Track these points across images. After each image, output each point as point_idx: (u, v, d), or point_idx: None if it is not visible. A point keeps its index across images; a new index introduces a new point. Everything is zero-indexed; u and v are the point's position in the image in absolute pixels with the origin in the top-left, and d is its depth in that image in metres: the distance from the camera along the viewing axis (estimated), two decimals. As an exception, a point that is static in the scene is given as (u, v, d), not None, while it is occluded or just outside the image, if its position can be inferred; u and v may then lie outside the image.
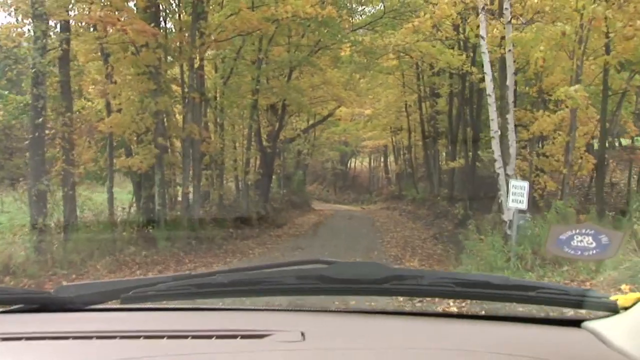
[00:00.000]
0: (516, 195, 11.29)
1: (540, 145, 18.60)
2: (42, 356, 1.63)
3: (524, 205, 11.30)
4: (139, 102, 15.06)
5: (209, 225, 18.39)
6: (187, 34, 16.03)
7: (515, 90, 18.46)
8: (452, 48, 20.98)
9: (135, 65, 14.78)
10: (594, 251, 2.18)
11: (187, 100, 16.39)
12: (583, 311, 1.85)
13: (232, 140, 23.90)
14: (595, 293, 1.85)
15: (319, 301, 2.05)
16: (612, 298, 1.78)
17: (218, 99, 21.19)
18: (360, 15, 28.10)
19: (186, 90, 16.63)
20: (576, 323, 1.79)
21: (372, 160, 57.29)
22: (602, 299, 1.79)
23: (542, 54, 11.60)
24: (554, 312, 2.22)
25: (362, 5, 26.81)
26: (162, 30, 16.20)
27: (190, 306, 2.08)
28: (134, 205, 17.60)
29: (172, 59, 16.67)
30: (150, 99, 14.76)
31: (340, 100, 29.28)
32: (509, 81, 13.24)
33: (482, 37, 13.20)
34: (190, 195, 17.47)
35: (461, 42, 21.40)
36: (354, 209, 42.45)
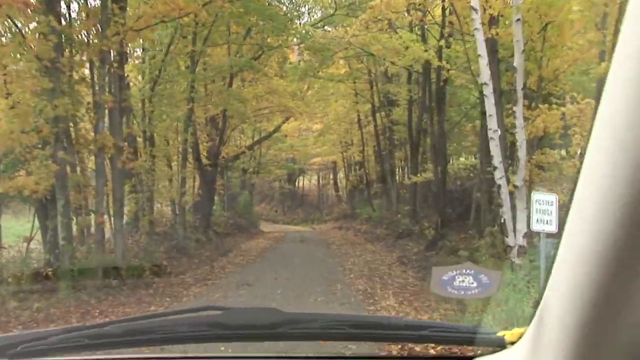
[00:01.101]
0: (542, 213, 7.90)
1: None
2: None
3: (552, 227, 7.92)
4: (31, 105, 11.17)
5: (135, 260, 14.57)
6: (95, 21, 12.25)
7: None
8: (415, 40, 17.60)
9: (23, 55, 10.97)
10: (476, 290, 2.03)
11: (98, 105, 12.58)
12: (476, 347, 1.81)
13: (165, 157, 20.02)
14: (485, 329, 1.79)
15: (215, 348, 2.07)
16: (500, 334, 1.71)
17: (146, 107, 17.36)
18: (310, 15, 24.65)
19: (97, 92, 12.81)
20: (470, 359, 1.78)
21: (320, 178, 54.05)
22: (490, 334, 1.73)
23: (577, 15, 8.30)
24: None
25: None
26: (62, 17, 12.31)
27: (84, 358, 1.96)
28: (36, 239, 13.61)
29: (77, 52, 12.81)
30: (46, 101, 10.94)
31: (288, 112, 25.85)
32: (518, 61, 9.91)
33: (475, 9, 9.88)
34: (107, 225, 13.62)
35: (425, 32, 18.11)
36: (305, 229, 39.07)
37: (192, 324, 1.82)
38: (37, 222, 13.74)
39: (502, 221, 9.92)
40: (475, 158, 22.46)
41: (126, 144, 15.52)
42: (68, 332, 1.81)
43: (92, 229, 13.42)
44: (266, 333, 1.82)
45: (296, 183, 55.58)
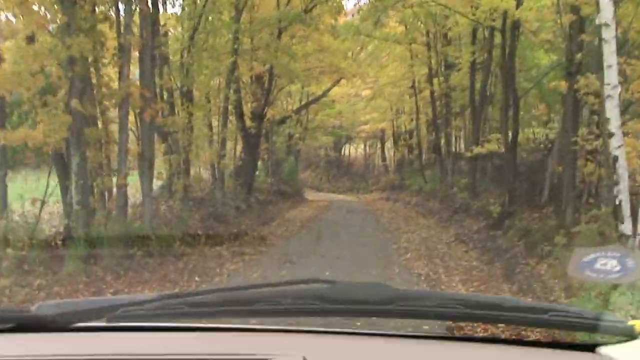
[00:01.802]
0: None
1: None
2: None
3: None
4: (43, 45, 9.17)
5: (165, 229, 12.68)
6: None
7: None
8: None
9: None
10: (619, 274, 1.86)
11: (123, 48, 10.52)
12: (598, 336, 1.67)
13: (204, 116, 17.95)
14: (611, 317, 1.73)
15: (319, 322, 1.83)
16: (630, 323, 1.63)
17: (184, 58, 15.25)
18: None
19: (123, 33, 10.72)
20: (590, 348, 1.64)
21: (367, 147, 51.62)
22: (618, 323, 1.65)
23: None
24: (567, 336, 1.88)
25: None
26: None
27: (182, 325, 1.82)
28: (52, 201, 11.74)
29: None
30: (58, 39, 8.94)
31: (340, 73, 23.44)
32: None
33: None
34: (131, 189, 11.72)
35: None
36: (351, 199, 37.05)
37: (297, 296, 1.74)
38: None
39: (618, 203, 7.58)
40: (547, 128, 19.88)
41: (159, 98, 13.56)
42: (165, 298, 1.80)
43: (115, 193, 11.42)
44: (375, 309, 1.73)
45: (342, 151, 53.42)
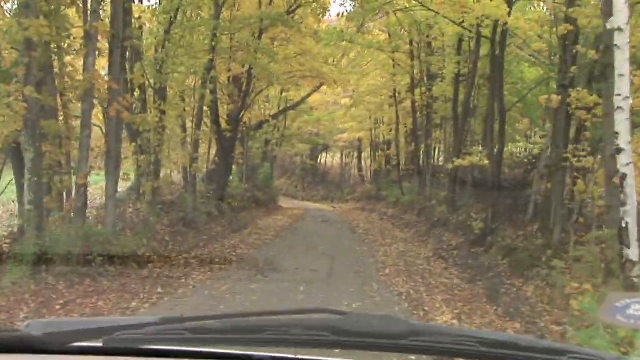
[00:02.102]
0: None
1: None
2: None
3: None
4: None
5: (129, 235, 11.71)
6: None
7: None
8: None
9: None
10: None
11: (89, 35, 9.54)
12: None
13: (178, 117, 16.95)
14: None
15: (329, 354, 1.79)
16: None
17: (158, 53, 14.26)
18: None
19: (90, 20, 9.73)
20: None
21: (344, 157, 50.88)
22: None
23: None
24: None
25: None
26: None
27: (184, 350, 1.70)
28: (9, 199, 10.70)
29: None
30: (14, 19, 7.97)
31: (321, 78, 22.58)
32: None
33: None
34: (97, 190, 10.73)
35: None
36: (325, 208, 36.28)
37: (307, 327, 1.65)
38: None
39: (624, 225, 6.83)
40: (529, 143, 19.23)
41: (130, 94, 12.60)
42: (166, 322, 1.68)
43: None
44: (389, 343, 1.64)
45: (318, 159, 52.66)
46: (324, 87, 30.05)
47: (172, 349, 1.69)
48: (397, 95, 26.83)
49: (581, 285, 7.25)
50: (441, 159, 25.83)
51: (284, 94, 30.44)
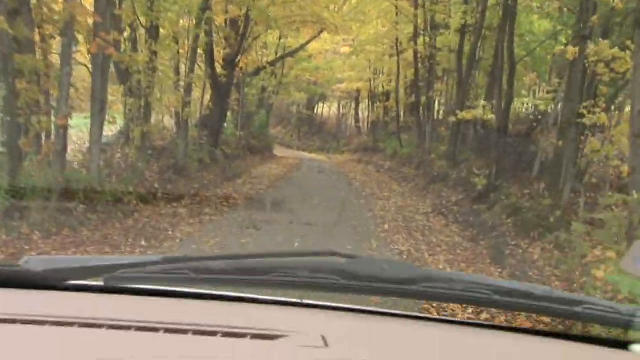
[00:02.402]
0: None
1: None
2: (14, 342, 1.27)
3: None
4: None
5: (115, 182, 10.95)
6: None
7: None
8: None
9: None
10: None
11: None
12: (632, 333, 1.59)
13: (171, 59, 15.96)
14: None
15: (337, 298, 1.66)
16: None
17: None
18: None
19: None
20: (623, 345, 1.55)
21: (341, 107, 49.89)
22: None
23: None
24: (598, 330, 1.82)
25: None
26: None
27: (188, 291, 1.64)
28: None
29: None
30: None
31: (322, 23, 21.44)
32: None
33: None
34: (74, 131, 9.93)
35: None
36: (321, 159, 35.58)
37: (314, 269, 1.59)
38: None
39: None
40: (535, 98, 18.36)
41: (119, 33, 11.66)
42: (169, 261, 1.64)
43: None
44: (398, 288, 1.57)
45: (315, 109, 51.66)
46: (324, 35, 28.94)
47: (174, 289, 1.64)
48: (398, 45, 25.73)
49: (604, 253, 6.55)
50: (442, 112, 24.95)
51: (282, 41, 29.31)
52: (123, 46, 13.40)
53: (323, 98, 48.37)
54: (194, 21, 14.46)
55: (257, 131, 26.89)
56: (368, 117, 39.28)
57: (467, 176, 17.00)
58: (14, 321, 1.34)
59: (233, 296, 1.66)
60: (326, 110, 53.16)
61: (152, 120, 15.64)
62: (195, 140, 16.80)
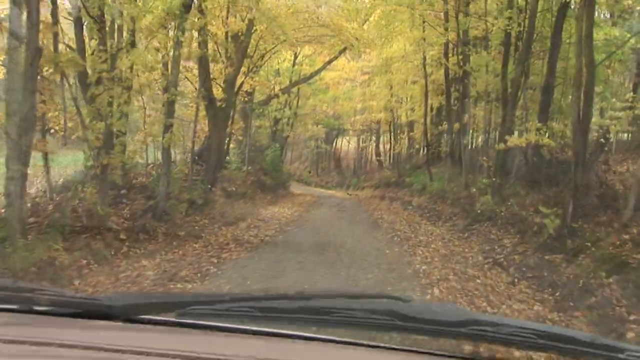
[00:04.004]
0: None
1: None
2: None
3: None
4: None
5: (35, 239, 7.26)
6: None
7: None
8: None
9: None
10: None
11: None
12: None
13: (148, 68, 12.22)
14: None
15: (389, 339, 1.71)
16: None
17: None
18: None
19: None
20: None
21: (360, 141, 46.23)
22: None
23: None
24: None
25: None
26: None
27: (252, 329, 1.69)
28: None
29: None
30: None
31: (341, 38, 17.73)
32: None
33: None
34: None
35: None
36: (341, 195, 31.95)
37: (372, 311, 1.67)
38: None
39: None
40: (603, 117, 14.44)
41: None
42: (236, 300, 1.73)
43: None
44: (450, 330, 1.64)
45: (334, 143, 48.12)
46: (341, 63, 25.48)
47: (241, 327, 1.66)
48: (426, 64, 21.98)
49: None
50: (479, 139, 21.14)
51: (296, 67, 25.82)
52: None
53: (342, 131, 44.98)
54: (175, 22, 10.79)
55: (269, 166, 23.13)
56: (390, 149, 35.53)
57: (520, 213, 13.24)
58: (98, 349, 1.43)
59: (295, 334, 1.66)
60: (345, 144, 49.60)
61: (129, 149, 11.88)
62: (185, 176, 13.09)
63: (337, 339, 1.68)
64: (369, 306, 1.72)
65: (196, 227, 11.65)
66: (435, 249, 12.46)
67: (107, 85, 9.78)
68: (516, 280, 9.63)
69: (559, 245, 10.39)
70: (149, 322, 1.68)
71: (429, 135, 25.33)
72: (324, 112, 33.85)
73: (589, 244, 9.70)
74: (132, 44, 10.67)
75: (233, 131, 16.91)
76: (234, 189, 16.29)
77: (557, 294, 8.61)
